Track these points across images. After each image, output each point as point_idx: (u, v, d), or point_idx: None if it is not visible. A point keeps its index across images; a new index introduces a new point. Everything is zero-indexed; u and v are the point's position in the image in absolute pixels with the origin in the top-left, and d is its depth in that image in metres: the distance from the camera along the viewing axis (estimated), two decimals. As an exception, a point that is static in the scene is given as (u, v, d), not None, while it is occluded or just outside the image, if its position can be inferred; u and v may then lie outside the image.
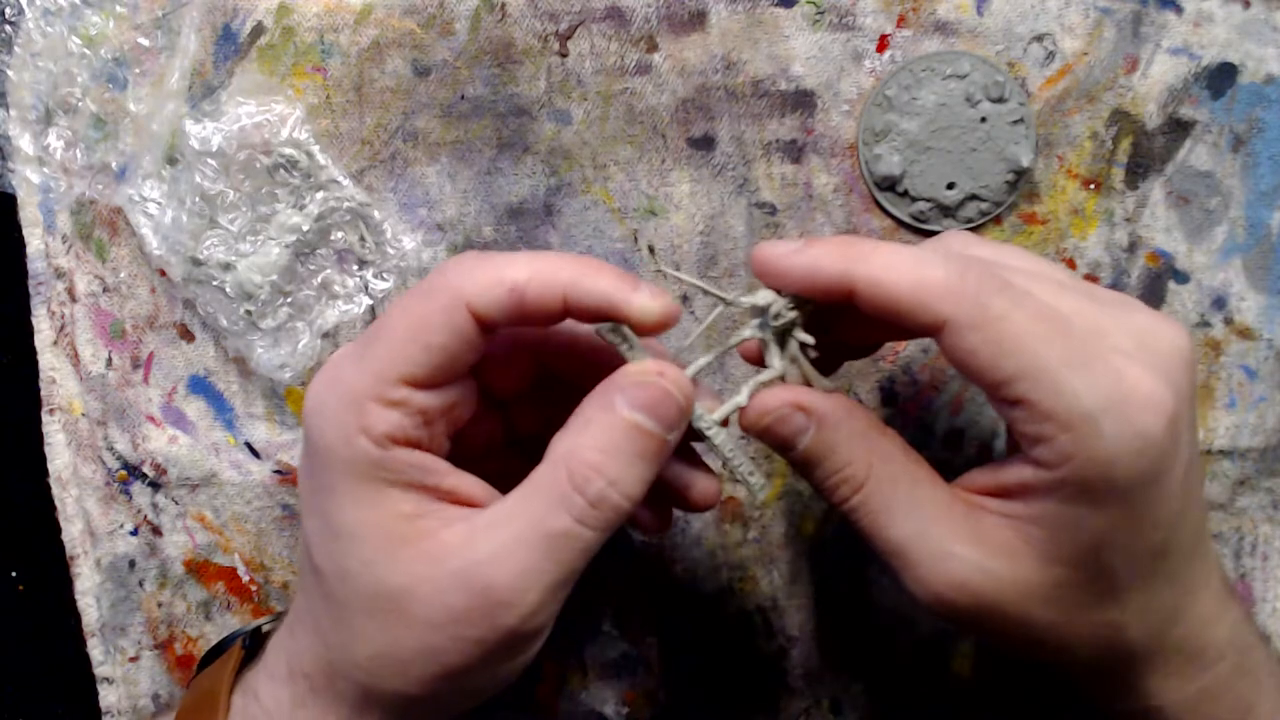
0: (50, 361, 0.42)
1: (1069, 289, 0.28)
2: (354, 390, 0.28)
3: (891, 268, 0.27)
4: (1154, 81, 0.40)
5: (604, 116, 0.41)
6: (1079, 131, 0.40)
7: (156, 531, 0.43)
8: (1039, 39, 0.40)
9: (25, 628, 0.44)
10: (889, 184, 0.40)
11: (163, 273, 0.41)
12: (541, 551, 0.28)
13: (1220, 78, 0.40)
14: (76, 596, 0.43)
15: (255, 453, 0.42)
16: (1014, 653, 0.30)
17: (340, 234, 0.41)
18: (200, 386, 0.42)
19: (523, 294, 0.28)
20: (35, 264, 0.41)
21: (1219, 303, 0.41)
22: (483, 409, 0.32)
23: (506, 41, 0.40)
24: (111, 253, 0.41)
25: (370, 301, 0.41)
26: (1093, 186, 0.41)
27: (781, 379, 0.31)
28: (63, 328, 0.42)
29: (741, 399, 0.30)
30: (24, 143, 0.40)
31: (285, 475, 0.42)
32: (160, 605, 0.43)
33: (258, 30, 0.40)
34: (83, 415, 0.42)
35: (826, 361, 0.34)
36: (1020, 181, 0.40)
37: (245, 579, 0.43)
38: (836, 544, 0.42)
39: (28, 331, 0.42)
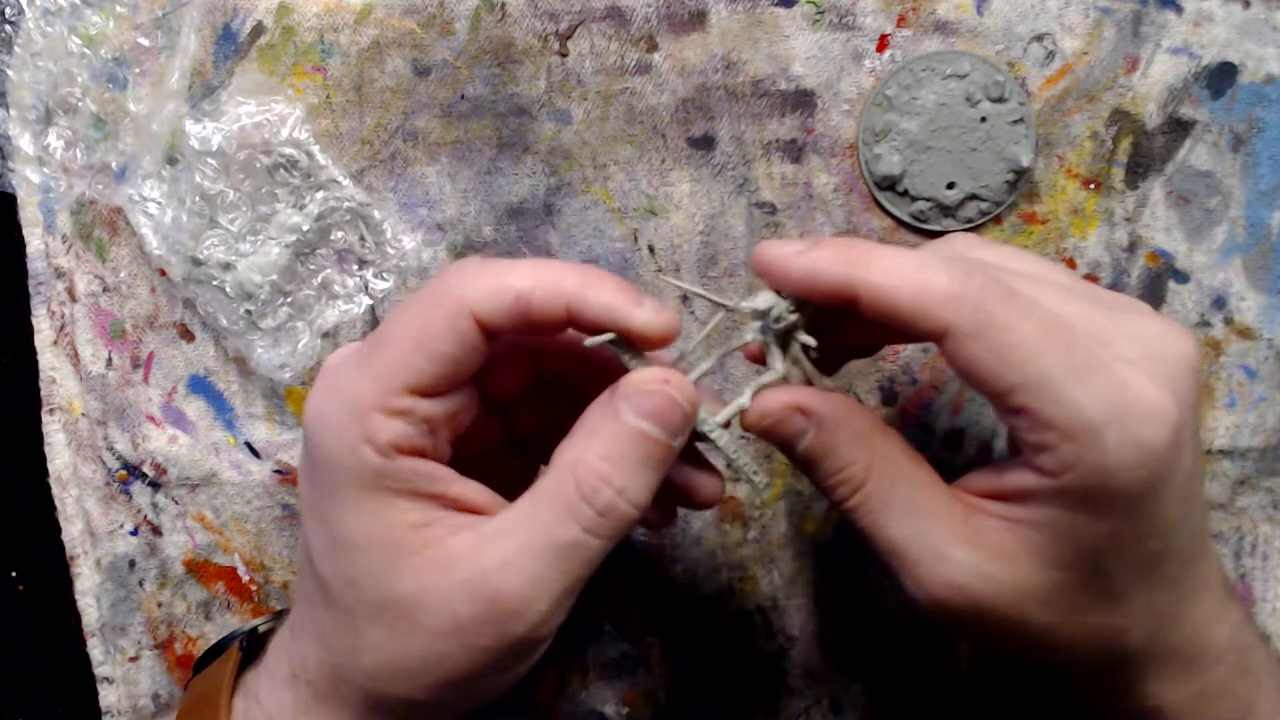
0: (50, 361, 0.42)
1: (1073, 293, 0.28)
2: (357, 400, 0.28)
3: (894, 273, 0.27)
4: (1154, 81, 0.40)
5: (604, 116, 0.41)
6: (1079, 131, 0.40)
7: (156, 531, 0.43)
8: (1039, 39, 0.40)
9: (25, 628, 0.44)
10: (889, 184, 0.40)
11: (163, 273, 0.41)
12: (550, 561, 0.27)
13: (1220, 77, 0.40)
14: (76, 596, 0.43)
15: (255, 453, 0.42)
16: (1012, 654, 0.30)
17: (340, 234, 0.41)
18: (200, 386, 0.42)
19: (528, 303, 0.28)
20: (35, 264, 0.41)
21: (1219, 303, 0.41)
22: (483, 412, 0.32)
23: (506, 41, 0.40)
24: (111, 253, 0.41)
25: (370, 301, 0.41)
26: (1093, 186, 0.41)
27: (784, 380, 0.31)
28: (63, 328, 0.42)
29: (744, 401, 0.31)
30: (24, 143, 0.40)
31: (285, 475, 0.42)
32: (160, 605, 0.43)
33: (258, 30, 0.40)
34: (83, 415, 0.42)
35: (828, 361, 0.34)
36: (1020, 181, 0.40)
37: (245, 579, 0.43)
38: (836, 544, 0.42)
39: (28, 331, 0.42)
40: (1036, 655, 0.30)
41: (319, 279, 0.41)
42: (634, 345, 0.29)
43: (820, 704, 0.43)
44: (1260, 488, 0.42)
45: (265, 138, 0.40)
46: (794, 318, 0.30)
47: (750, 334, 0.31)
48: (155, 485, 0.42)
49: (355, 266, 0.41)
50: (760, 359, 0.31)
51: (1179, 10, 0.40)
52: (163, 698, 0.43)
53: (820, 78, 0.40)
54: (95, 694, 0.43)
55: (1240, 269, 0.41)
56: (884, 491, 0.29)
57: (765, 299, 0.30)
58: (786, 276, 0.29)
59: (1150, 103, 0.40)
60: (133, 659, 0.43)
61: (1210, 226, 0.41)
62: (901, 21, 0.40)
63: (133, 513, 0.42)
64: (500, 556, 0.28)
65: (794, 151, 0.41)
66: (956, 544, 0.28)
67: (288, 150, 0.40)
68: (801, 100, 0.40)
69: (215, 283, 0.40)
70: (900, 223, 0.41)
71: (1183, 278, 0.41)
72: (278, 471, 0.42)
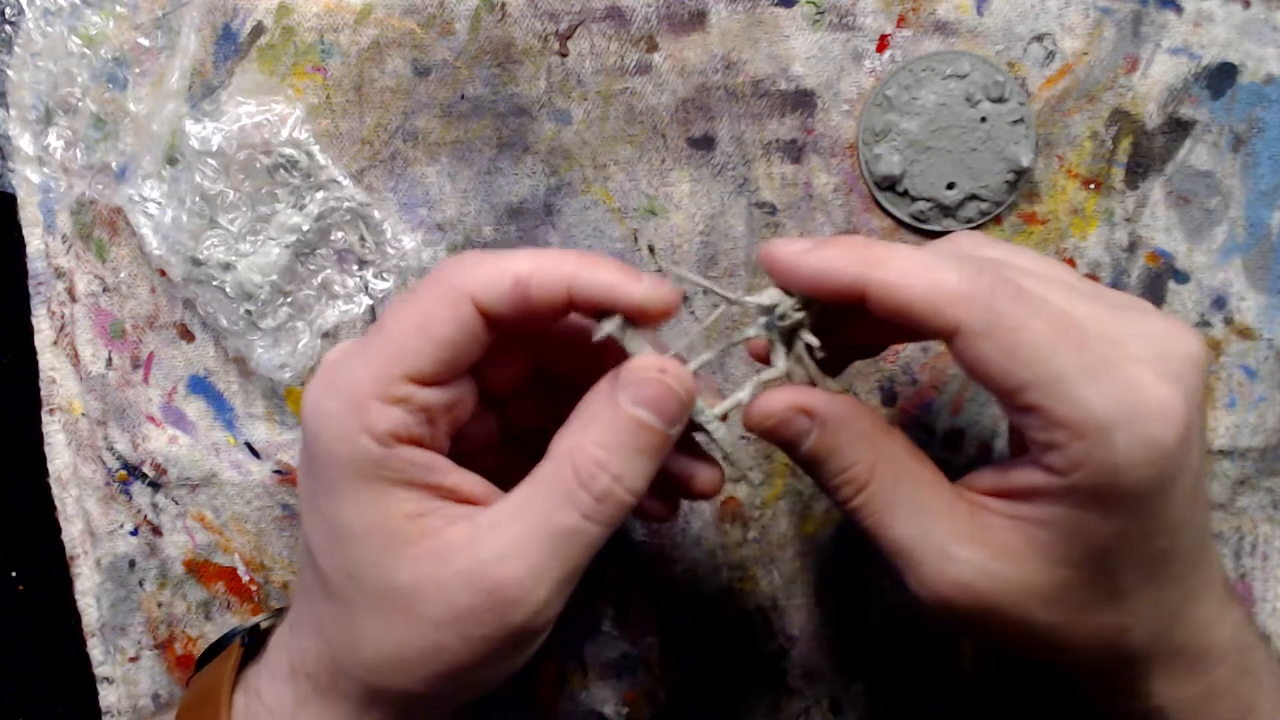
0: (50, 361, 0.42)
1: (1080, 292, 0.28)
2: (356, 390, 0.28)
3: (905, 272, 0.27)
4: (1154, 81, 0.40)
5: (604, 116, 0.41)
6: (1079, 131, 0.40)
7: (156, 531, 0.43)
8: (1039, 39, 0.40)
9: (25, 628, 0.44)
10: (889, 184, 0.40)
11: (163, 273, 0.41)
12: (549, 549, 0.28)
13: (1220, 78, 0.40)
14: (76, 596, 0.43)
15: (255, 453, 0.42)
16: (1016, 653, 0.30)
17: (340, 234, 0.41)
18: (200, 386, 0.42)
19: (526, 287, 0.28)
20: (35, 264, 0.41)
21: (1219, 303, 0.41)
22: (480, 406, 0.32)
23: (506, 41, 0.40)
24: (111, 253, 0.41)
25: (370, 301, 0.41)
26: (1093, 186, 0.41)
27: (786, 377, 0.31)
28: (63, 328, 0.42)
29: (744, 395, 0.31)
30: (24, 143, 0.40)
31: (285, 475, 0.42)
32: (160, 605, 0.43)
33: (258, 30, 0.40)
34: (83, 415, 0.42)
35: (834, 362, 0.34)
36: (1020, 181, 0.40)
37: (245, 579, 0.43)
38: (836, 544, 0.42)
39: (28, 331, 0.42)
40: (1041, 654, 0.30)
41: (319, 279, 0.41)
42: (636, 325, 0.29)
43: (820, 704, 0.43)
44: (1260, 488, 0.42)
45: (265, 138, 0.40)
46: (799, 316, 0.30)
47: (754, 330, 0.31)
48: (155, 485, 0.42)
49: (355, 266, 0.41)
50: (764, 357, 0.31)
51: (1179, 10, 0.40)
52: (163, 698, 0.43)
53: (820, 78, 0.40)
54: (95, 694, 0.43)
55: (1240, 269, 0.41)
56: (888, 491, 0.29)
57: (771, 295, 0.30)
58: (795, 274, 0.29)
59: (1150, 103, 0.40)
60: (133, 659, 0.43)
61: (1210, 226, 0.41)
62: (901, 21, 0.40)
63: (133, 513, 0.42)
64: (498, 546, 0.28)
65: (794, 151, 0.41)
66: (961, 542, 0.28)
67: (288, 150, 0.40)
68: (801, 100, 0.40)
69: (215, 283, 0.40)
70: (900, 223, 0.41)
71: (1183, 278, 0.41)
72: (278, 471, 0.42)
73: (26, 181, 0.41)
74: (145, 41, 0.40)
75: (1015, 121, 0.40)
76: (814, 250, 0.28)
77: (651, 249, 0.31)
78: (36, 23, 0.40)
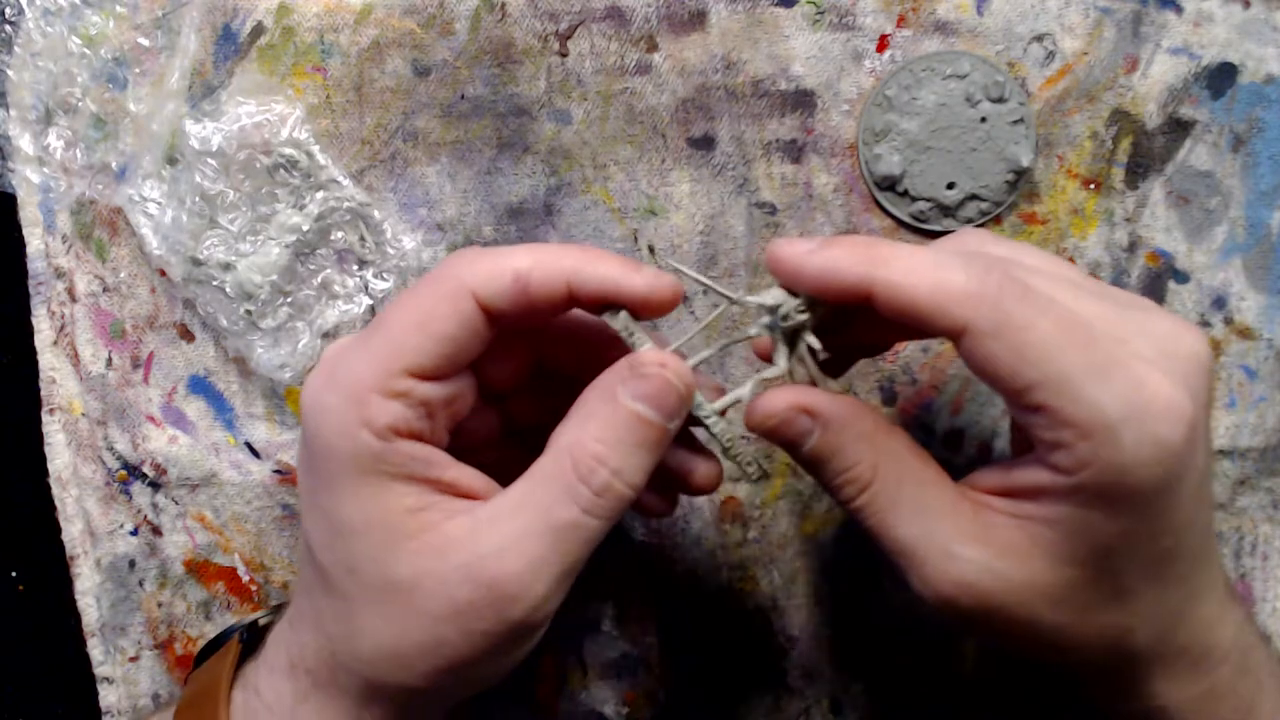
0: (50, 361, 0.42)
1: (1087, 291, 0.28)
2: (355, 384, 0.28)
3: (911, 272, 0.27)
4: (1154, 81, 0.40)
5: (604, 116, 0.41)
6: (1079, 131, 0.40)
7: (156, 531, 0.43)
8: (1039, 39, 0.40)
9: (25, 628, 0.44)
10: (889, 184, 0.40)
11: (163, 273, 0.41)
12: (548, 543, 0.28)
13: (1220, 78, 0.40)
14: (76, 596, 0.43)
15: (255, 453, 0.42)
16: (1019, 653, 0.30)
17: (340, 234, 0.41)
18: (200, 386, 0.42)
19: (527, 281, 0.28)
20: (35, 264, 0.41)
21: (1219, 303, 0.41)
22: (480, 402, 0.32)
23: (506, 41, 0.40)
24: (111, 253, 0.41)
25: (370, 301, 0.41)
26: (1093, 186, 0.41)
27: (788, 376, 0.31)
28: (63, 328, 0.42)
29: (744, 393, 0.31)
30: (24, 143, 0.40)
31: (285, 475, 0.42)
32: (160, 605, 0.43)
33: (258, 30, 0.40)
34: (83, 415, 0.42)
35: (838, 362, 0.34)
36: (1020, 181, 0.40)
37: (245, 579, 0.43)
38: (837, 544, 0.42)
39: (28, 331, 0.42)
40: (1045, 654, 0.30)
41: (319, 279, 0.41)
42: (637, 323, 0.29)
43: (820, 704, 0.43)
44: (1260, 488, 0.42)
45: (265, 138, 0.40)
46: (803, 317, 0.30)
47: (756, 328, 0.31)
48: (155, 485, 0.42)
49: (355, 266, 0.41)
50: (770, 356, 0.31)
51: (1179, 10, 0.40)
52: (163, 698, 0.43)
53: (820, 78, 0.40)
54: (95, 694, 0.43)
55: (1240, 269, 0.41)
56: (891, 490, 0.29)
57: (774, 295, 0.30)
58: (800, 275, 0.29)
59: (1150, 103, 0.40)
60: (133, 659, 0.43)
61: (1210, 226, 0.41)
62: (901, 21, 0.40)
63: (133, 513, 0.42)
64: (497, 541, 0.28)
65: (794, 151, 0.41)
66: (965, 541, 0.28)
67: (288, 150, 0.40)
68: (801, 100, 0.40)
69: (215, 283, 0.40)
70: (900, 223, 0.41)
71: (1183, 278, 0.41)
72: (278, 471, 0.42)
73: (26, 181, 0.41)
74: (145, 41, 0.40)
75: (1015, 121, 0.40)
76: (819, 250, 0.28)
77: (651, 249, 0.31)
78: (36, 23, 0.40)
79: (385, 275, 0.41)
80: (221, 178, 0.40)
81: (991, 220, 0.41)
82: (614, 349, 0.30)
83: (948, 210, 0.40)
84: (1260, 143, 0.40)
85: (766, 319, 0.30)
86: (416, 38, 0.40)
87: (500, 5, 0.40)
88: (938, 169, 0.40)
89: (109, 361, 0.42)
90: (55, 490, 0.42)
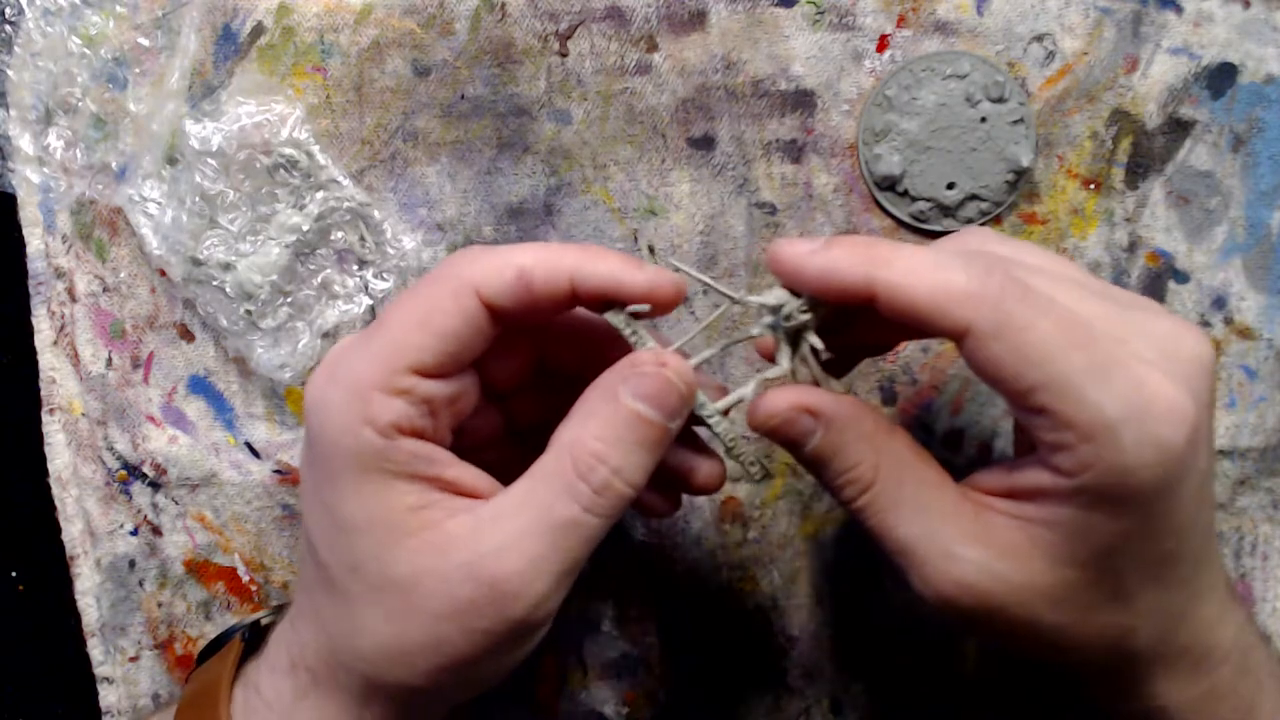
0: (50, 361, 0.42)
1: (1089, 290, 0.28)
2: (358, 381, 0.28)
3: (913, 273, 0.27)
4: (1154, 81, 0.40)
5: (604, 116, 0.41)
6: (1079, 131, 0.40)
7: (156, 531, 0.43)
8: (1039, 39, 0.40)
9: (25, 628, 0.44)
10: (889, 184, 0.40)
11: (163, 273, 0.41)
12: (548, 541, 0.28)
13: (1220, 78, 0.40)
14: (76, 596, 0.43)
15: (255, 453, 0.42)
16: (1020, 653, 0.30)
17: (340, 234, 0.41)
18: (200, 386, 0.42)
19: (530, 278, 0.28)
20: (35, 264, 0.41)
21: (1219, 303, 0.41)
22: (483, 400, 0.32)
23: (506, 41, 0.40)
24: (111, 253, 0.41)
25: (370, 301, 0.41)
26: (1093, 186, 0.41)
27: (790, 376, 0.31)
28: (63, 328, 0.42)
29: (746, 392, 0.31)
30: (24, 143, 0.40)
31: (285, 475, 0.42)
32: (160, 605, 0.43)
33: (258, 30, 0.40)
34: (83, 415, 0.42)
35: (842, 362, 0.34)
36: (1020, 181, 0.40)
37: (245, 579, 0.43)
38: (837, 544, 0.42)
39: (28, 331, 0.42)
40: (1045, 654, 0.30)
41: (319, 279, 0.41)
42: (639, 321, 0.29)
43: (820, 704, 0.43)
44: (1260, 488, 0.42)
45: (265, 138, 0.40)
46: (805, 317, 0.30)
47: (758, 328, 0.31)
48: (155, 485, 0.42)
49: (355, 266, 0.41)
50: (772, 356, 0.31)
51: (1179, 10, 0.40)
52: (163, 698, 0.43)
53: (820, 78, 0.40)
54: (95, 694, 0.43)
55: (1240, 269, 0.41)
56: (892, 491, 0.29)
57: (777, 295, 0.30)
58: (801, 275, 0.28)
59: (1150, 103, 0.40)
60: (133, 659, 0.43)
61: (1210, 226, 0.41)
62: (901, 21, 0.40)
63: (133, 513, 0.42)
64: (498, 539, 0.28)
65: (794, 151, 0.41)
66: (966, 542, 0.28)
67: (288, 150, 0.40)
68: (801, 100, 0.40)
69: (215, 283, 0.40)
70: (900, 223, 0.41)
71: (1183, 278, 0.41)
72: (278, 471, 0.42)
73: (26, 181, 0.40)
74: (145, 41, 0.40)
75: (1015, 121, 0.40)
76: (820, 251, 0.28)
77: (651, 249, 0.31)
78: (36, 23, 0.40)
79: (385, 275, 0.41)
80: (221, 178, 0.40)
81: (991, 220, 0.41)
82: (616, 348, 0.30)
83: (948, 210, 0.40)
84: (1260, 143, 0.40)
85: (769, 319, 0.30)
86: (416, 38, 0.40)
87: (500, 5, 0.40)
88: (938, 169, 0.40)
89: (109, 361, 0.42)
90: (55, 490, 0.42)
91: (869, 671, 0.43)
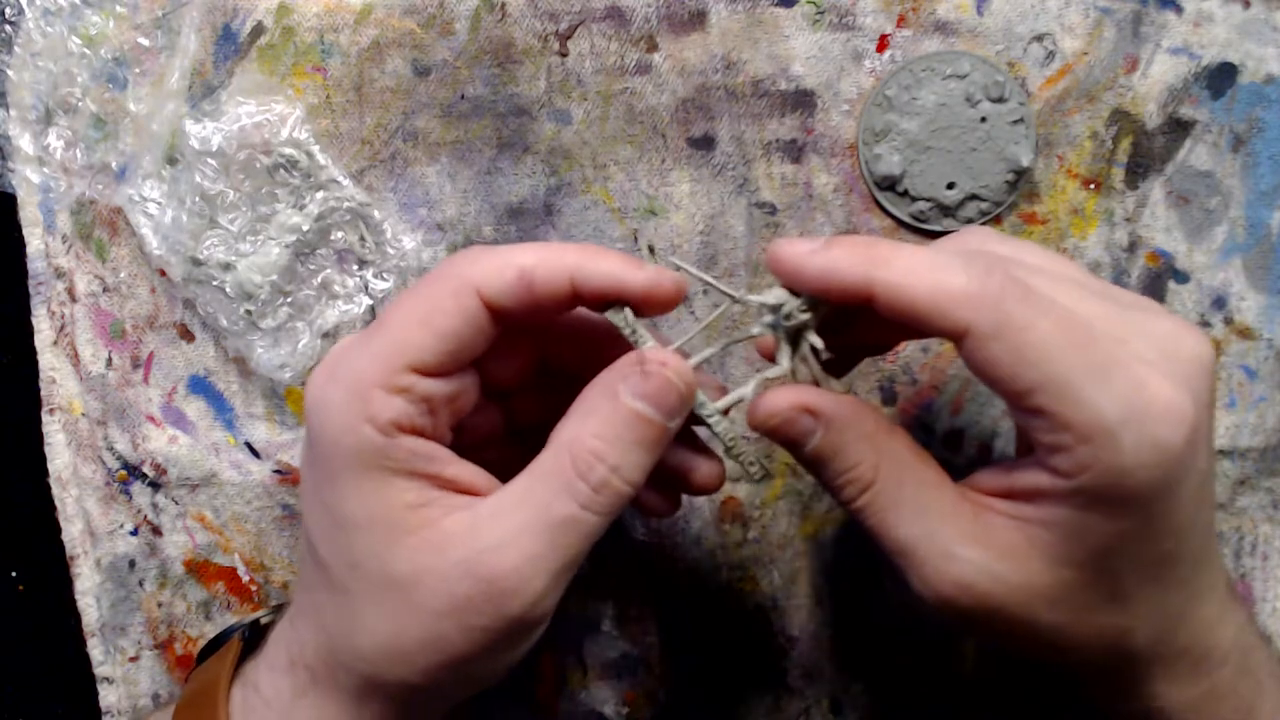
0: (50, 361, 0.42)
1: (1089, 290, 0.28)
2: (359, 379, 0.28)
3: (911, 273, 0.27)
4: (1154, 81, 0.40)
5: (604, 116, 0.41)
6: (1079, 131, 0.40)
7: (156, 531, 0.43)
8: (1039, 39, 0.40)
9: (25, 628, 0.44)
10: (889, 184, 0.40)
11: (163, 273, 0.41)
12: (546, 538, 0.28)
13: (1220, 78, 0.40)
14: (76, 596, 0.43)
15: (255, 453, 0.42)
16: (1019, 653, 0.30)
17: (340, 234, 0.41)
18: (200, 386, 0.42)
19: (531, 278, 0.28)
20: (35, 264, 0.41)
21: (1219, 303, 0.41)
22: (484, 399, 0.32)
23: (506, 41, 0.40)
24: (111, 253, 0.41)
25: (370, 301, 0.41)
26: (1093, 186, 0.41)
27: (790, 375, 0.31)
28: (63, 328, 0.42)
29: (746, 392, 0.31)
30: (24, 143, 0.40)
31: (285, 475, 0.42)
32: (160, 605, 0.43)
33: (258, 30, 0.40)
34: (83, 415, 0.42)
35: (842, 361, 0.34)
36: (1020, 181, 0.40)
37: (245, 579, 0.43)
38: (837, 544, 0.42)
39: (28, 331, 0.42)
40: (1044, 655, 0.30)
41: (319, 279, 0.41)
42: (640, 321, 0.30)
43: (820, 704, 0.43)
44: (1260, 488, 0.42)
45: (265, 138, 0.40)
46: (805, 317, 0.30)
47: (759, 327, 0.31)
48: (155, 485, 0.42)
49: (355, 266, 0.41)
50: (773, 356, 0.31)
51: (1179, 10, 0.40)
52: (163, 698, 0.43)
53: (820, 78, 0.40)
54: (95, 694, 0.43)
55: (1240, 269, 0.41)
56: (892, 491, 0.29)
57: (776, 295, 0.30)
58: (800, 275, 0.29)
59: (1150, 103, 0.40)
60: (133, 659, 0.43)
61: (1210, 226, 0.41)
62: (901, 21, 0.40)
63: (133, 513, 0.42)
64: (496, 536, 0.28)
65: (794, 151, 0.41)
66: (965, 543, 0.28)
67: (288, 150, 0.40)
68: (801, 100, 0.40)
69: (215, 283, 0.40)
70: (900, 223, 0.41)
71: (1183, 278, 0.41)
72: (278, 471, 0.42)
73: (26, 181, 0.40)
74: (145, 41, 0.40)
75: (1015, 121, 0.40)
76: (819, 251, 0.28)
77: (651, 249, 0.31)
78: (36, 23, 0.40)
79: (385, 275, 0.41)
80: (221, 178, 0.40)
81: (991, 220, 0.41)
82: (617, 348, 0.30)
83: (948, 210, 0.40)
84: (1260, 143, 0.40)
85: (769, 318, 0.30)
86: (416, 38, 0.40)
87: (500, 5, 0.40)
88: (938, 169, 0.40)
89: (109, 361, 0.42)
90: (55, 490, 0.42)
91: (869, 671, 0.43)
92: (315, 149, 0.40)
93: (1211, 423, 0.28)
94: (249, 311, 0.40)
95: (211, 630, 0.43)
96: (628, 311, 0.29)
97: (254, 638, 0.35)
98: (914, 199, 0.40)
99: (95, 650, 0.43)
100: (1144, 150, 0.41)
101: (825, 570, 0.42)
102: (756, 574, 0.43)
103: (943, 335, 0.27)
